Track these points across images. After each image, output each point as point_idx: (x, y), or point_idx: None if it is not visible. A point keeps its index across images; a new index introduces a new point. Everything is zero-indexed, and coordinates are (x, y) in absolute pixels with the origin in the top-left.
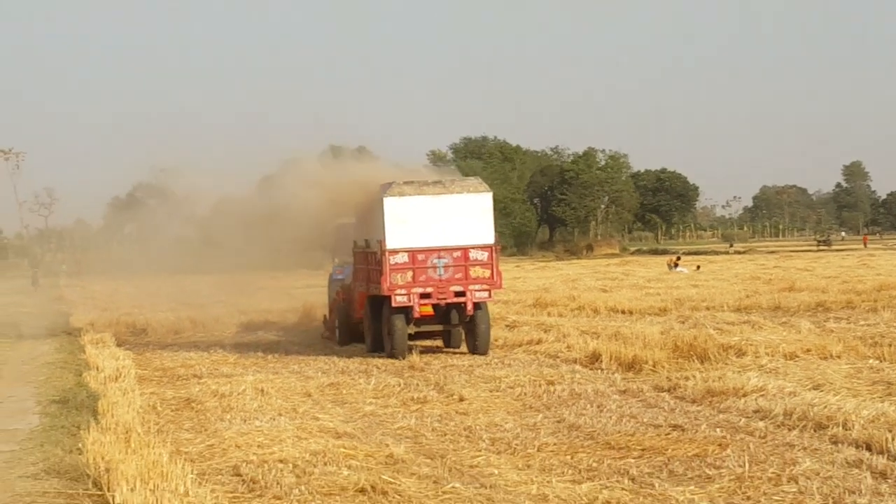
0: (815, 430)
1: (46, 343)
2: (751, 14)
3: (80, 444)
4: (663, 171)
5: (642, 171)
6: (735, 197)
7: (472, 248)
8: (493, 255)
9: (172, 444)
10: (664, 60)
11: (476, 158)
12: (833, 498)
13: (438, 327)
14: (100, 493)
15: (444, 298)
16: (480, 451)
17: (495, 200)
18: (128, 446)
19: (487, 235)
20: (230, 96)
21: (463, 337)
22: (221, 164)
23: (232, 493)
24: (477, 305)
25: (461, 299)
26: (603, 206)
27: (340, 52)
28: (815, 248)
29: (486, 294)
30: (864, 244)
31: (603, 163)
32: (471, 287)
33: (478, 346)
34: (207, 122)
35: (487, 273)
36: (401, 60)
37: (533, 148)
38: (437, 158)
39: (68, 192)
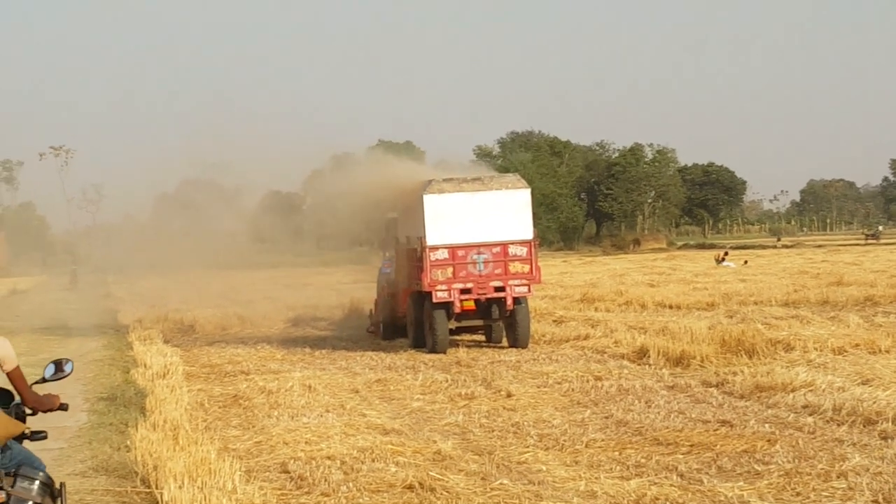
0: (864, 426)
1: (94, 340)
2: (797, 10)
3: (128, 442)
4: (710, 165)
5: (689, 165)
6: (782, 191)
7: (511, 243)
8: (532, 250)
9: (220, 440)
10: (711, 55)
11: (524, 152)
12: (883, 494)
13: (479, 322)
14: (148, 490)
15: (485, 294)
16: (528, 447)
17: (543, 195)
18: (176, 443)
19: (526, 231)
20: (279, 92)
21: (504, 331)
22: (270, 159)
23: (280, 490)
24: (517, 300)
25: (501, 294)
26: (650, 201)
27: (388, 47)
28: (862, 241)
29: (525, 289)
30: None
31: (650, 157)
32: (510, 282)
33: (518, 339)
34: (256, 116)
35: (527, 268)
36: (447, 56)
37: (579, 143)
38: (483, 153)
39: (116, 188)
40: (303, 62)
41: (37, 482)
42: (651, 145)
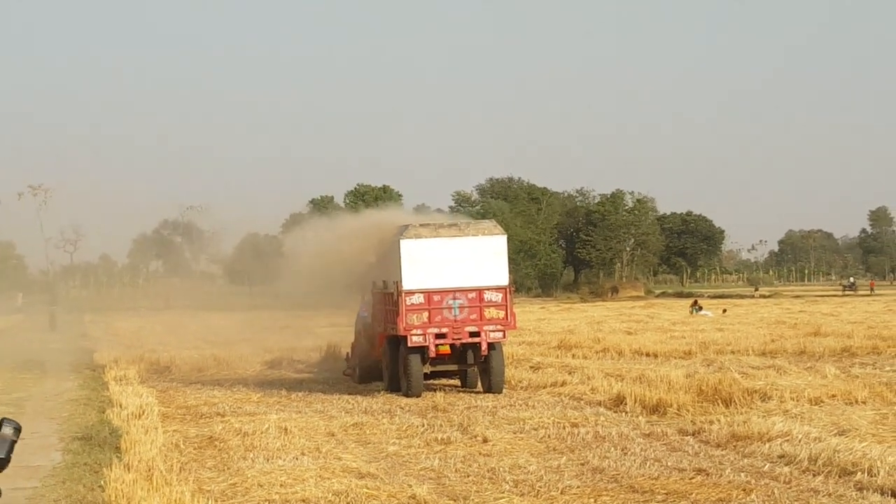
0: (839, 477)
1: (70, 379)
2: (776, 59)
3: (102, 482)
4: (689, 213)
5: (668, 213)
6: (761, 241)
7: (487, 289)
8: (508, 296)
9: (195, 482)
10: (690, 104)
11: (503, 199)
12: None
13: (454, 367)
14: None
15: (460, 339)
16: (504, 493)
17: (521, 242)
18: (150, 484)
19: (502, 277)
20: (258, 136)
21: (479, 376)
22: (248, 203)
23: None
24: (491, 346)
25: (476, 339)
26: (628, 249)
27: (366, 91)
28: (840, 293)
29: (500, 334)
30: (871, 289)
31: (630, 205)
32: (485, 328)
33: (492, 385)
34: (234, 160)
35: (502, 314)
36: (426, 101)
37: (558, 190)
38: (462, 199)
39: (94, 228)
40: (281, 105)
41: (13, 427)
42: (631, 193)
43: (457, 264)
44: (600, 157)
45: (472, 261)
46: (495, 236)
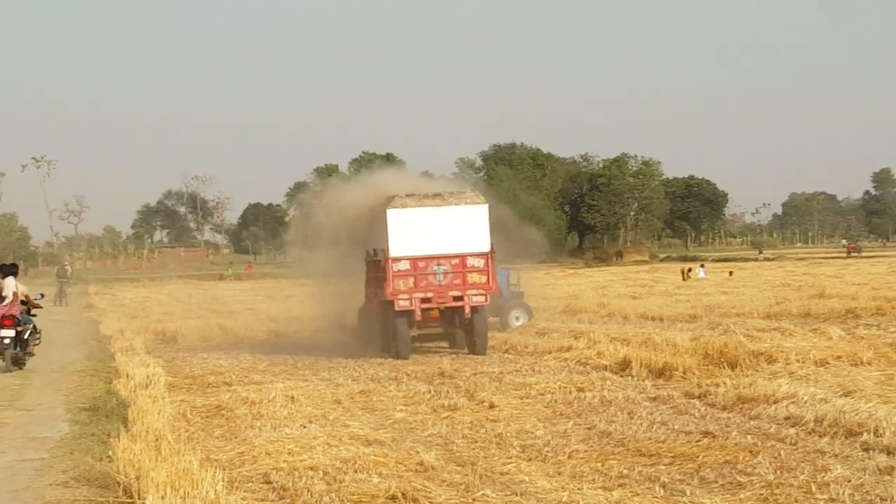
0: (846, 437)
1: (76, 350)
2: (780, 23)
3: (110, 452)
4: (692, 178)
5: (671, 178)
6: (764, 204)
7: (469, 255)
8: (489, 262)
9: (202, 451)
10: (693, 68)
11: (506, 165)
12: None
13: (439, 330)
14: (130, 500)
15: (444, 303)
16: (511, 458)
17: (526, 208)
18: (158, 454)
19: (483, 244)
20: (261, 105)
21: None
22: (253, 171)
23: (262, 500)
24: (474, 309)
25: (459, 303)
26: (632, 213)
27: (370, 59)
28: (844, 255)
29: (482, 298)
30: (849, 252)
31: (634, 169)
32: (468, 292)
33: (476, 346)
34: (238, 128)
35: (484, 279)
36: (429, 68)
37: (562, 155)
38: (465, 166)
39: (98, 199)
40: (286, 74)
41: (32, 324)
42: (635, 157)
43: (441, 232)
44: (603, 122)
45: (456, 229)
46: (477, 205)
